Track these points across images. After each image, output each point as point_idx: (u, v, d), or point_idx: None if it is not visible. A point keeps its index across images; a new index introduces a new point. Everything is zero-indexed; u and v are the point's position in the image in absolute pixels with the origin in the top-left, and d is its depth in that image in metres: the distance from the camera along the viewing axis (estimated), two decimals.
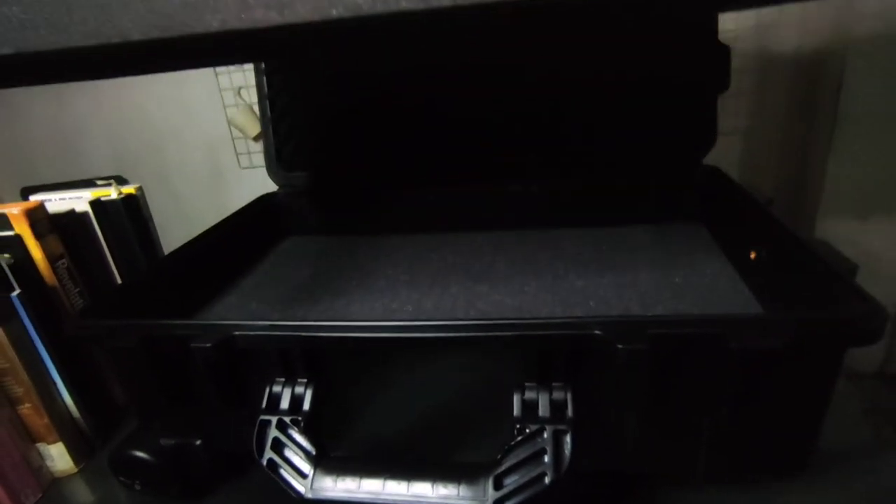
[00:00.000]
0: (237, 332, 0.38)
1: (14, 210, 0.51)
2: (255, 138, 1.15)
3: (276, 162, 0.76)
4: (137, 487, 0.47)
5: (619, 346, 0.33)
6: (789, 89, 0.92)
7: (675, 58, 0.65)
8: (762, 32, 0.89)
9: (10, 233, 0.52)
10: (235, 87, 1.12)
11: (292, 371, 0.39)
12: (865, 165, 0.82)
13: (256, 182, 0.89)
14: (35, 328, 0.51)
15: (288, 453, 0.37)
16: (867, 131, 0.82)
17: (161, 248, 0.68)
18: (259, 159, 1.17)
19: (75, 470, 0.55)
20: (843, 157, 0.85)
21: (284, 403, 0.39)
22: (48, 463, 0.54)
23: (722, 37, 0.64)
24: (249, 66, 1.07)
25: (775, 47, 0.89)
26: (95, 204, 0.60)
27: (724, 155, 0.95)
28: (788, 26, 0.88)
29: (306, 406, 0.38)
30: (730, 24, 0.88)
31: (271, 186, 0.78)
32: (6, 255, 0.51)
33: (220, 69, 1.10)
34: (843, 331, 0.33)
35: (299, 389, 0.39)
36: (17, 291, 0.50)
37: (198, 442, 0.45)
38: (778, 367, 0.34)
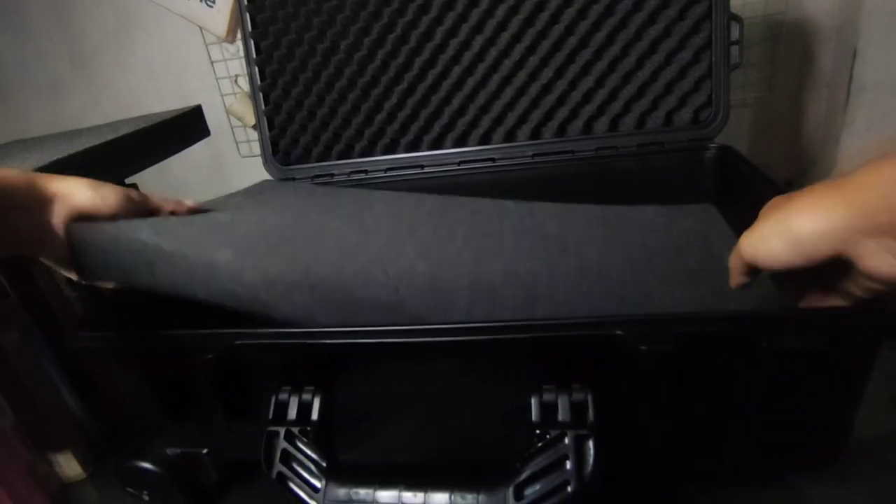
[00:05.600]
0: (238, 342, 0.36)
1: None
2: (255, 126, 1.12)
3: (273, 155, 0.74)
4: (146, 498, 0.46)
5: (642, 348, 0.31)
6: (801, 58, 0.88)
7: (685, 30, 0.62)
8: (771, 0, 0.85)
9: None
10: (232, 75, 1.09)
11: (298, 379, 0.38)
12: (881, 137, 0.79)
13: (257, 170, 0.87)
14: (34, 334, 0.50)
15: (297, 465, 0.36)
16: (883, 101, 0.78)
17: None
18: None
19: (84, 475, 0.54)
20: (857, 128, 0.81)
21: (292, 413, 0.37)
22: (56, 470, 0.53)
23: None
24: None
25: (786, 14, 0.86)
26: None
27: (733, 128, 0.92)
28: None
29: (314, 415, 0.37)
30: None
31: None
32: None
33: (215, 57, 1.08)
34: (881, 326, 0.31)
35: (306, 398, 0.37)
36: (14, 297, 0.49)
37: (204, 451, 0.44)
38: (811, 364, 0.32)
